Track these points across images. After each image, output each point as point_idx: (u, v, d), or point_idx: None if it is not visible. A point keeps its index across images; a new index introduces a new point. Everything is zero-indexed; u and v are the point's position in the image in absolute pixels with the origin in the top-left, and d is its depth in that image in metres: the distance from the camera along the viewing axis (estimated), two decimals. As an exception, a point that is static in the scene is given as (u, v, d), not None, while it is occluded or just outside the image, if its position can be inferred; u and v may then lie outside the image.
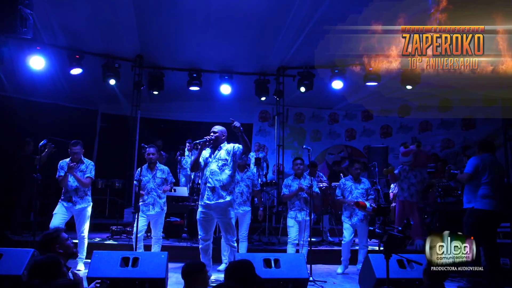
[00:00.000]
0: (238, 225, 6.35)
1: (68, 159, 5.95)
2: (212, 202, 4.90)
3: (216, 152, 5.05)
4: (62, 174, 5.87)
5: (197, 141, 4.97)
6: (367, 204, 5.93)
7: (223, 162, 4.99)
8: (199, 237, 5.06)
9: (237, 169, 5.84)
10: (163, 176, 6.07)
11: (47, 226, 6.69)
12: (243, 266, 3.07)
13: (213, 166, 4.97)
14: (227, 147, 5.10)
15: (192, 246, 7.11)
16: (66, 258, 3.29)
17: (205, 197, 4.91)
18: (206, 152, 5.09)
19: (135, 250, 5.52)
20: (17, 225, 7.19)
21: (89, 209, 5.94)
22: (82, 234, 5.83)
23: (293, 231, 6.10)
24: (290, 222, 6.14)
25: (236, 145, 5.06)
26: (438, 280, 3.39)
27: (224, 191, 4.92)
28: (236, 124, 4.71)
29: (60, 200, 5.86)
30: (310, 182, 5.98)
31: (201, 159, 5.04)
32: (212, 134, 5.02)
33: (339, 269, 6.22)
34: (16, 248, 5.51)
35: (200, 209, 5.03)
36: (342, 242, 6.28)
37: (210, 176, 4.94)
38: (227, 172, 4.98)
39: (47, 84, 9.45)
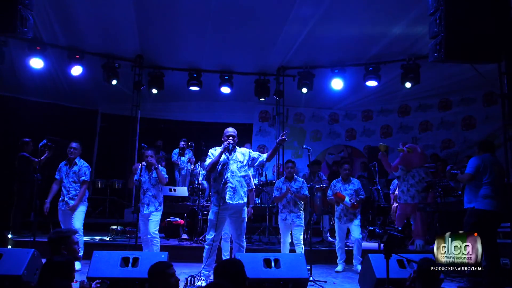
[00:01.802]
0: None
1: (65, 161, 6.01)
2: (234, 202, 5.01)
3: (232, 153, 5.15)
4: (57, 177, 6.00)
5: (230, 146, 5.05)
6: (347, 198, 6.24)
7: (240, 163, 5.15)
8: (209, 236, 5.06)
9: None
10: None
11: (48, 227, 6.71)
12: (234, 265, 3.06)
13: (233, 167, 5.09)
14: (242, 150, 5.26)
15: (192, 246, 7.11)
16: (73, 260, 3.29)
17: (227, 197, 4.97)
18: (217, 153, 5.13)
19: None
20: (17, 225, 7.19)
21: (82, 207, 5.92)
22: (77, 232, 5.78)
23: (283, 234, 6.26)
24: (280, 224, 6.28)
25: (257, 153, 5.30)
26: (432, 283, 3.36)
27: (243, 192, 5.12)
28: (285, 137, 4.98)
29: (58, 202, 5.94)
30: (300, 185, 6.21)
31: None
32: (235, 138, 5.17)
33: (339, 267, 6.34)
34: (16, 248, 5.52)
35: (214, 209, 5.04)
36: (336, 243, 6.51)
37: (231, 176, 5.04)
38: (243, 173, 5.18)
39: (47, 84, 9.46)
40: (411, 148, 7.16)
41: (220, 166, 5.08)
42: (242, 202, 5.09)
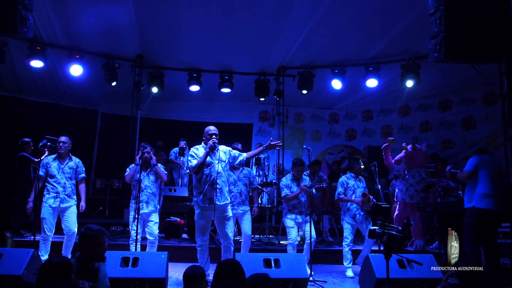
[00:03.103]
0: (238, 225, 6.35)
1: (53, 156, 5.85)
2: (221, 203, 4.99)
3: (215, 152, 5.08)
4: (42, 174, 5.75)
5: (217, 146, 4.99)
6: (371, 197, 5.98)
7: (224, 163, 5.10)
8: (199, 238, 5.07)
9: (232, 169, 6.03)
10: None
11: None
12: (234, 266, 3.06)
13: (218, 167, 5.02)
14: (222, 149, 5.20)
15: (192, 246, 7.08)
16: (93, 259, 3.31)
17: (214, 199, 4.92)
18: (200, 153, 5.07)
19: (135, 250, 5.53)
20: (17, 225, 7.19)
21: (75, 208, 5.79)
22: (71, 234, 5.68)
23: (293, 232, 6.07)
24: (290, 223, 6.09)
25: (237, 152, 5.26)
26: (469, 280, 3.37)
27: (227, 191, 5.12)
28: (274, 143, 5.04)
29: (45, 199, 5.68)
30: (309, 182, 6.04)
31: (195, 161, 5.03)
32: (217, 136, 5.07)
33: (350, 272, 6.01)
34: (16, 248, 5.51)
35: (202, 210, 5.00)
36: (344, 244, 6.08)
37: (218, 177, 4.98)
38: (227, 173, 5.15)
39: (47, 84, 9.47)
40: (416, 147, 7.13)
41: (205, 166, 5.00)
42: (227, 202, 5.10)
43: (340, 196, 6.20)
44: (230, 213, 5.16)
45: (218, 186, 4.96)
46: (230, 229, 5.15)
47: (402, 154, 7.23)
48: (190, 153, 5.10)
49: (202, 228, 5.02)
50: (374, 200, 6.03)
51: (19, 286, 3.86)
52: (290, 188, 6.14)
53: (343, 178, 6.34)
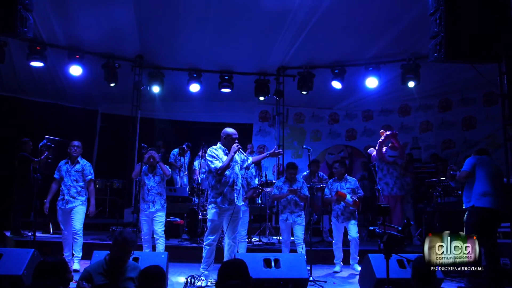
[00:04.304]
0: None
1: (65, 160, 6.01)
2: (239, 204, 5.13)
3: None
4: (57, 177, 5.98)
5: (240, 150, 5.10)
6: (348, 195, 6.19)
7: (239, 165, 5.24)
8: (210, 237, 5.08)
9: None
10: (161, 172, 6.11)
11: (48, 226, 6.69)
12: (241, 265, 3.05)
13: (236, 169, 5.17)
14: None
15: (192, 246, 7.11)
16: (112, 262, 3.39)
17: (234, 199, 5.03)
18: (220, 154, 5.11)
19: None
20: (17, 225, 7.19)
21: (82, 208, 5.90)
22: (76, 232, 5.80)
23: (284, 233, 6.31)
24: (282, 224, 6.33)
25: (245, 155, 5.32)
26: (427, 281, 3.32)
27: (241, 193, 5.28)
28: (278, 151, 5.49)
29: (57, 202, 5.91)
30: (300, 185, 6.25)
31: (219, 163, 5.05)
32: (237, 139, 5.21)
33: (337, 267, 6.32)
34: (16, 248, 5.52)
35: (220, 210, 5.03)
36: (333, 242, 6.46)
37: (236, 178, 5.12)
38: (240, 174, 5.29)
39: (47, 84, 9.46)
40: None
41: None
42: (243, 203, 5.32)
43: (326, 196, 6.64)
44: (241, 214, 5.34)
45: (237, 187, 5.09)
46: (238, 228, 5.33)
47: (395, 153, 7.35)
48: (209, 153, 5.10)
49: (216, 227, 5.10)
50: (354, 198, 6.20)
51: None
52: (281, 189, 6.34)
53: (330, 181, 6.74)
